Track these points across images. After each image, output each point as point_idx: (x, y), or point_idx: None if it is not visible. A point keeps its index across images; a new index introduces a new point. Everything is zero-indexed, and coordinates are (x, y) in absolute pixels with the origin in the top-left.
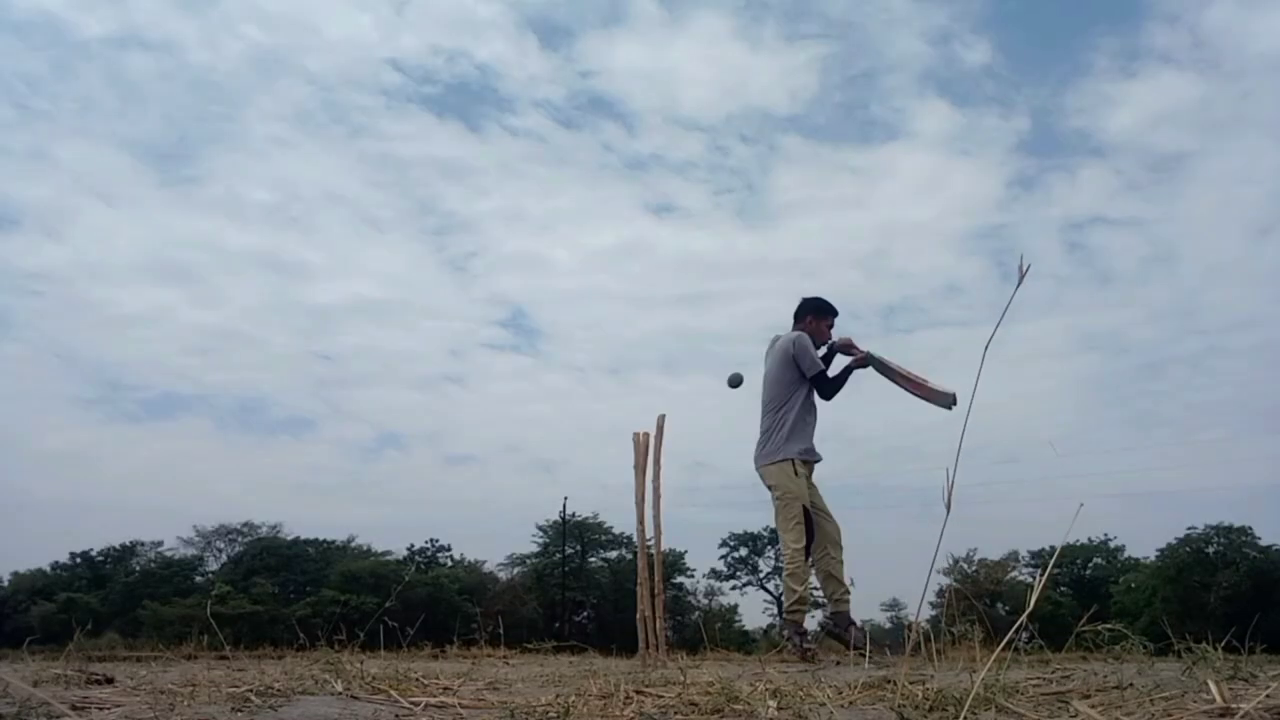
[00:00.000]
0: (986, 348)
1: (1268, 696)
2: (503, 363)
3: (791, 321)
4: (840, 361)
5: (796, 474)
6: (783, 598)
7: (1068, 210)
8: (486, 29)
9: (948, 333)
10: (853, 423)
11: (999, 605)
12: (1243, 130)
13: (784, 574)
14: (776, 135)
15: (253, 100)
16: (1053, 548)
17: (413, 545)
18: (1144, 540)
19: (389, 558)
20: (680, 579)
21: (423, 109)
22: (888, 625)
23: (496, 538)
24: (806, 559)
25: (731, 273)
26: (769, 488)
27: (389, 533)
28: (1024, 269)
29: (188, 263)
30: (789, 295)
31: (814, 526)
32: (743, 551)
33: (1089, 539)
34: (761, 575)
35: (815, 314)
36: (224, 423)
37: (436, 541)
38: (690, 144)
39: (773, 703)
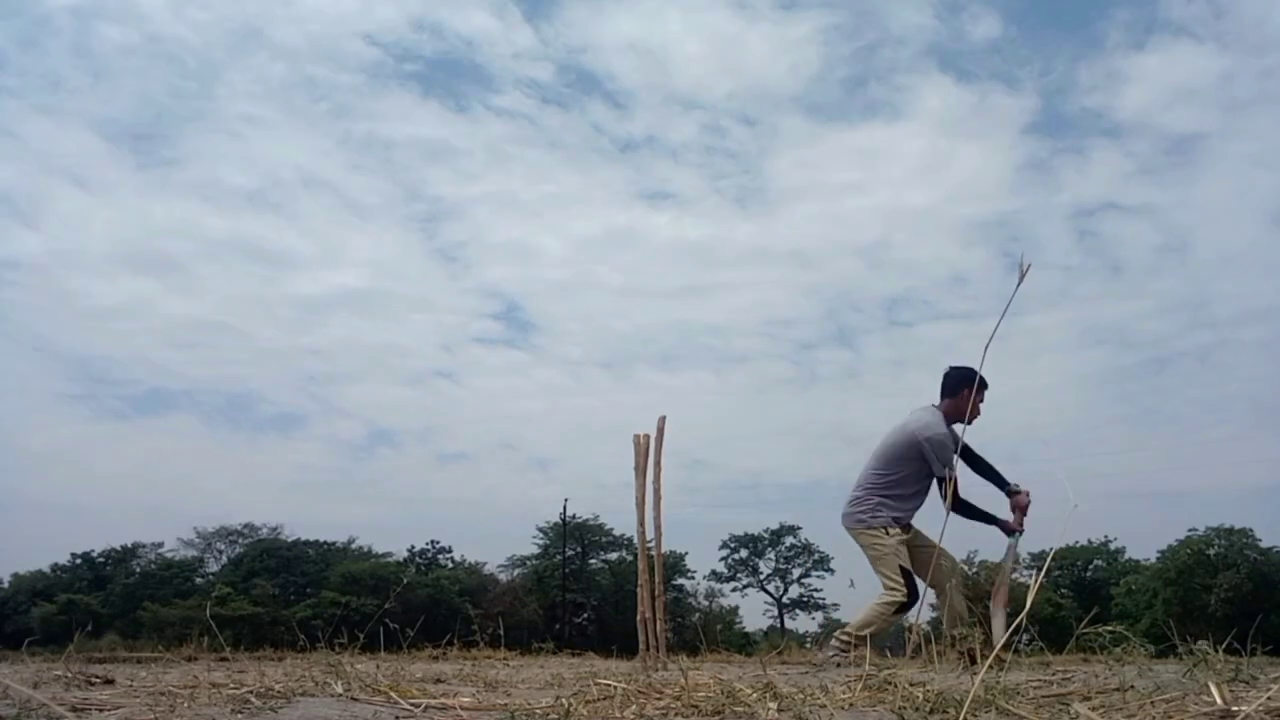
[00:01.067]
0: (986, 349)
1: (1269, 699)
2: (495, 357)
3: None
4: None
5: (889, 535)
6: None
7: (1078, 196)
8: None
9: (952, 326)
10: (852, 421)
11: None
12: (1264, 110)
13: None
14: (775, 115)
15: (227, 77)
16: (1051, 549)
17: (413, 547)
18: (1144, 542)
19: (389, 559)
20: (681, 581)
21: (404, 88)
22: (888, 627)
23: (496, 539)
24: (899, 613)
25: (729, 263)
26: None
27: (388, 533)
28: (1024, 268)
29: (167, 251)
30: (788, 287)
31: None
32: (743, 553)
33: (1089, 541)
34: (762, 577)
35: (971, 387)
36: (212, 420)
37: (437, 543)
38: (685, 125)
39: (773, 705)
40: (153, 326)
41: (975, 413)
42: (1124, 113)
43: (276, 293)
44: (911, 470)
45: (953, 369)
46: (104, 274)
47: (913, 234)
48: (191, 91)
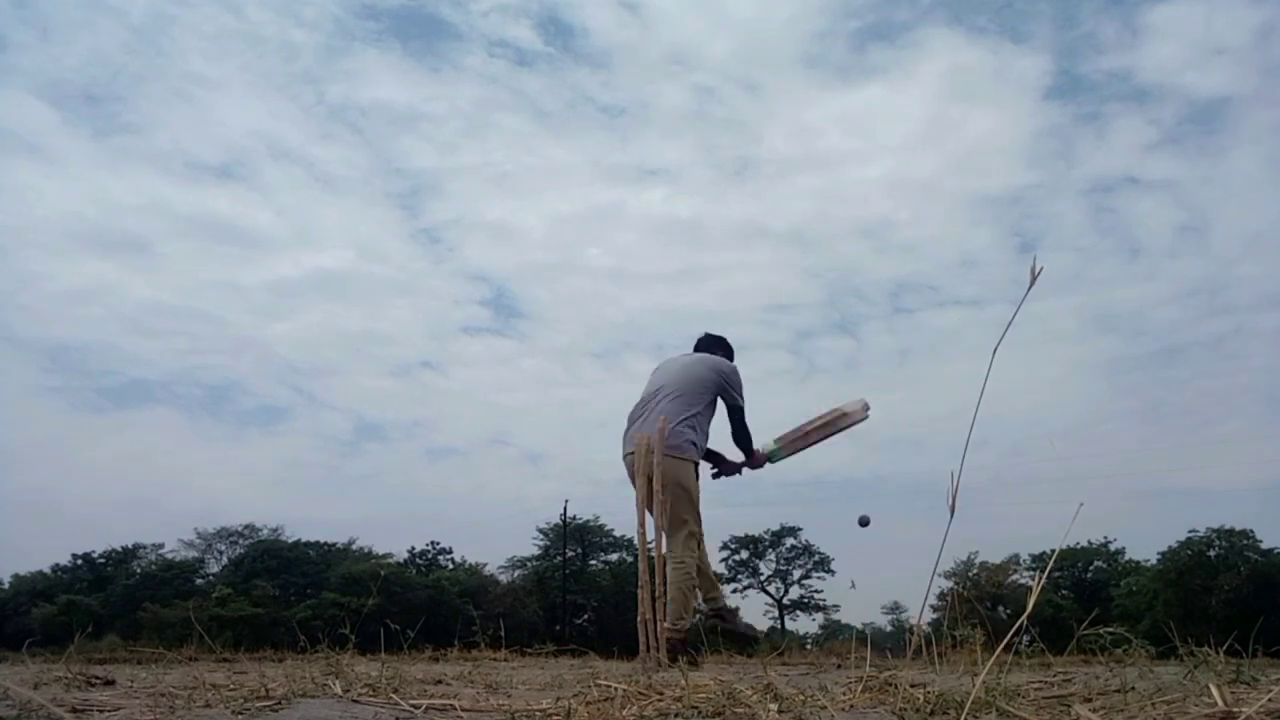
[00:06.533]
0: (994, 352)
1: (1269, 700)
2: (481, 346)
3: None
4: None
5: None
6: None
7: (1095, 169)
8: None
9: (958, 313)
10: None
11: (1000, 608)
12: None
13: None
14: (770, 74)
15: (174, 32)
16: (1052, 550)
17: (414, 548)
18: (1145, 543)
19: (389, 560)
20: None
21: (368, 44)
22: (889, 628)
23: (494, 538)
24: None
25: (722, 242)
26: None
27: (382, 532)
28: (1036, 271)
29: (130, 230)
30: (786, 269)
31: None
32: (743, 554)
33: (1089, 542)
34: (762, 578)
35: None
36: (192, 413)
37: (437, 544)
38: (673, 88)
39: (774, 706)
40: (120, 312)
41: None
42: (1147, 73)
43: (250, 276)
44: (709, 404)
45: (711, 337)
46: (63, 254)
47: (918, 211)
48: (141, 47)
